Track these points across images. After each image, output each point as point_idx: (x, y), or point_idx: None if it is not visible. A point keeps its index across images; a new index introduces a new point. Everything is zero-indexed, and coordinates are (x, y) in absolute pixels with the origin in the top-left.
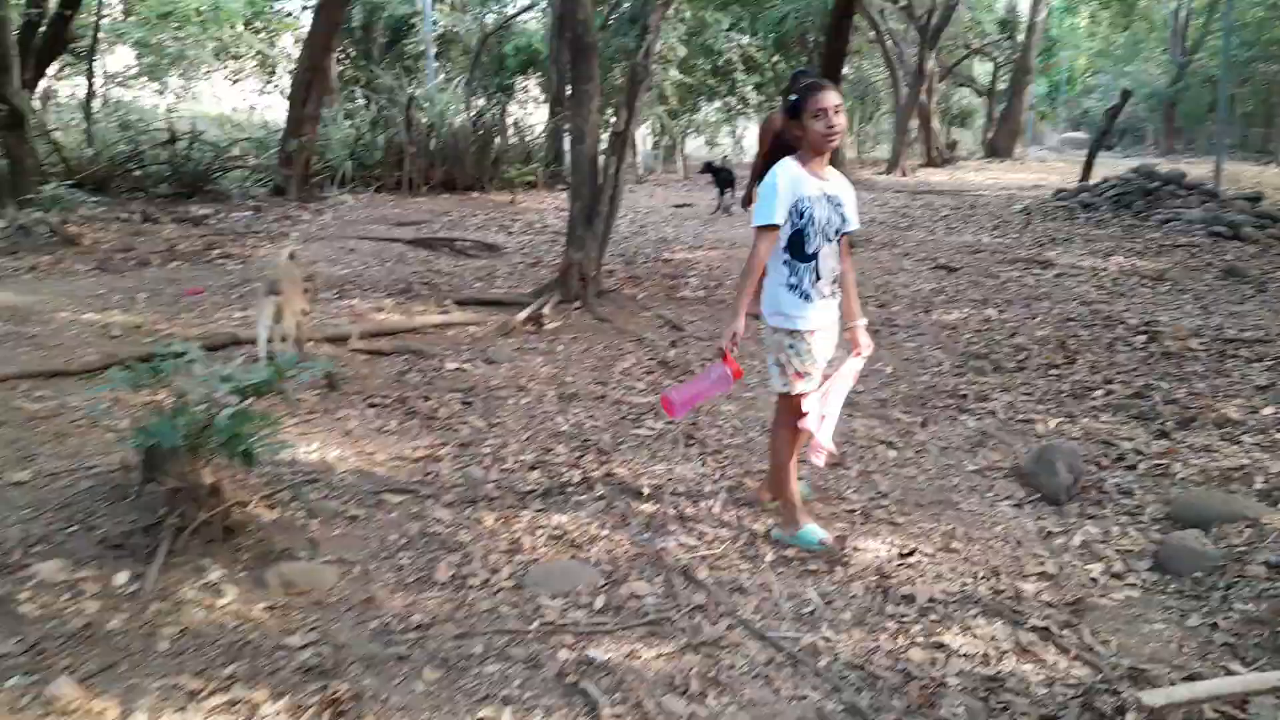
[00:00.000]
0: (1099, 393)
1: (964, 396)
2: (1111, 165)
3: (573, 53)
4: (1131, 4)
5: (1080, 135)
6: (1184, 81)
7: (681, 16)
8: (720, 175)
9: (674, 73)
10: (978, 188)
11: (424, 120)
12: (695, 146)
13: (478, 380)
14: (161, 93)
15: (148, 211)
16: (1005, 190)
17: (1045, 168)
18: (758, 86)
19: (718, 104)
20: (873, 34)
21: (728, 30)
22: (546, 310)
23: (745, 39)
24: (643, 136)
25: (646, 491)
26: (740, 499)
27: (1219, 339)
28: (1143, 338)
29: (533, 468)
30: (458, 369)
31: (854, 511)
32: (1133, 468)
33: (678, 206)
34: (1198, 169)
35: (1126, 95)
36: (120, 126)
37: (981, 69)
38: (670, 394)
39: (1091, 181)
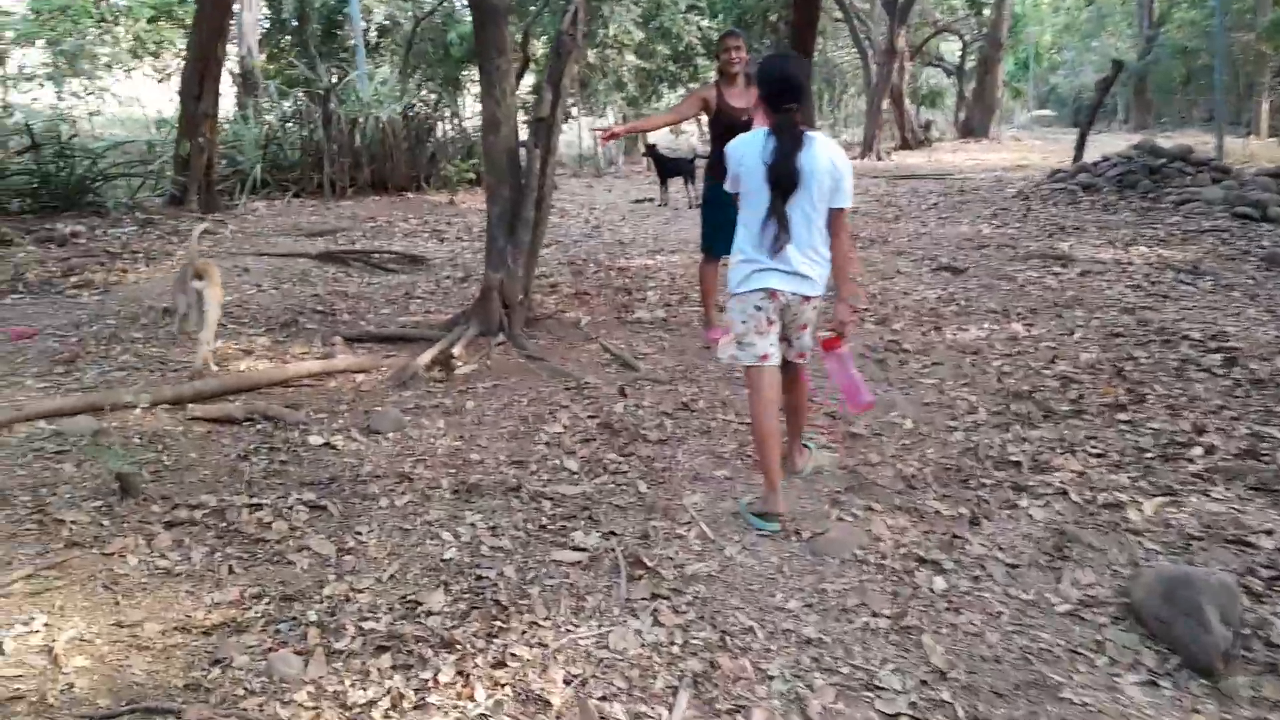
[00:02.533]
0: (1196, 451)
1: (1016, 464)
2: (1091, 142)
3: (476, 18)
4: None
5: (1048, 112)
6: (1153, 54)
7: None
8: (665, 163)
9: (631, 58)
10: (960, 170)
11: (347, 114)
12: (661, 135)
13: (346, 465)
14: (59, 94)
15: (2, 231)
16: (990, 172)
17: (1023, 147)
18: None
19: (680, 90)
20: (838, 13)
21: (685, 13)
22: (458, 350)
23: (705, 21)
24: (606, 125)
25: (557, 701)
26: (711, 700)
27: None
28: (1216, 358)
29: (383, 646)
30: (324, 445)
31: (897, 719)
32: None
33: (637, 202)
34: (1181, 142)
35: (1119, 66)
36: None
37: (948, 47)
38: (856, 396)
39: (1088, 160)
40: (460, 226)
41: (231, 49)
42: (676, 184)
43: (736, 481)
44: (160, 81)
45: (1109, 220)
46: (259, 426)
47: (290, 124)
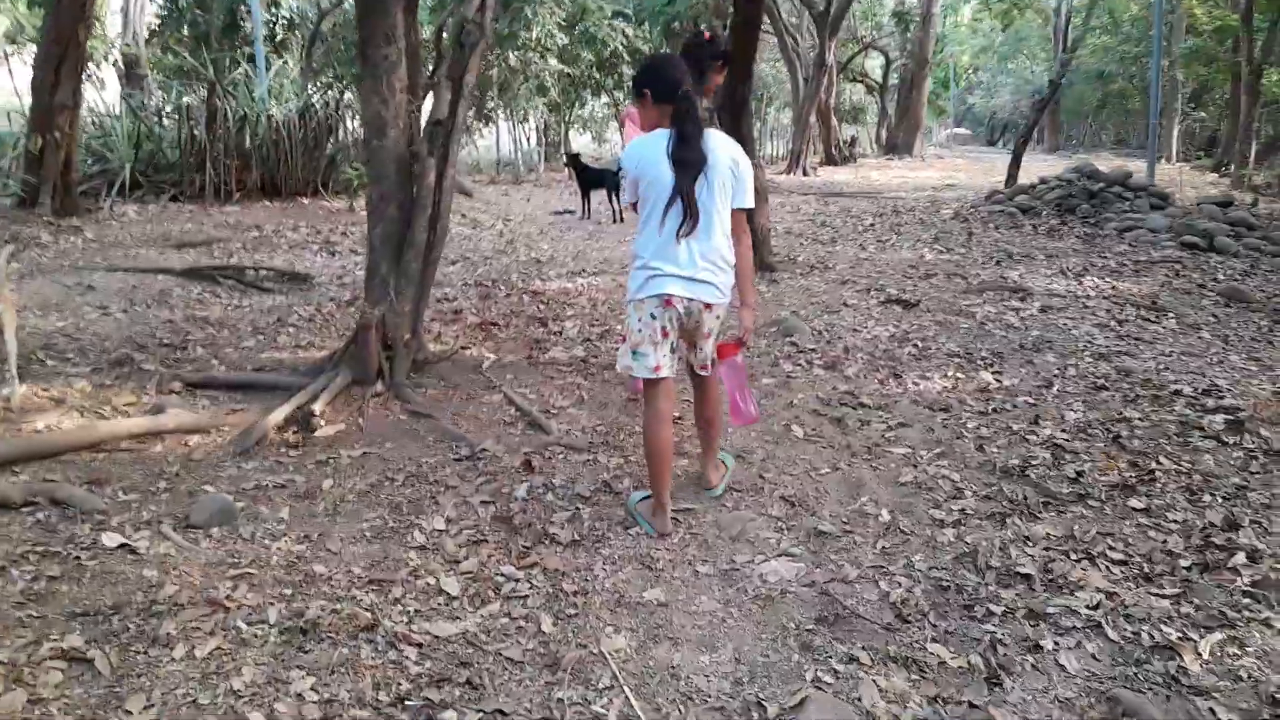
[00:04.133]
0: (1238, 558)
1: (1026, 579)
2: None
3: (360, 0)
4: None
5: (964, 131)
6: (1067, 79)
7: (559, 1)
8: (587, 174)
9: (554, 62)
10: (889, 188)
11: (237, 111)
12: (583, 144)
13: (142, 583)
14: None
15: None
16: (921, 191)
17: (947, 165)
18: None
19: (604, 99)
20: (767, 25)
21: (611, 19)
22: (320, 404)
23: (631, 29)
24: (527, 132)
25: None
26: None
27: None
28: (1218, 420)
29: None
30: (121, 548)
31: None
32: None
33: (558, 213)
34: (1091, 162)
35: (1055, 86)
36: None
37: (871, 65)
38: (741, 408)
39: (1025, 182)
40: (357, 237)
41: (117, 36)
42: (600, 196)
43: (673, 610)
44: None
45: (1056, 247)
46: (41, 516)
47: (170, 119)
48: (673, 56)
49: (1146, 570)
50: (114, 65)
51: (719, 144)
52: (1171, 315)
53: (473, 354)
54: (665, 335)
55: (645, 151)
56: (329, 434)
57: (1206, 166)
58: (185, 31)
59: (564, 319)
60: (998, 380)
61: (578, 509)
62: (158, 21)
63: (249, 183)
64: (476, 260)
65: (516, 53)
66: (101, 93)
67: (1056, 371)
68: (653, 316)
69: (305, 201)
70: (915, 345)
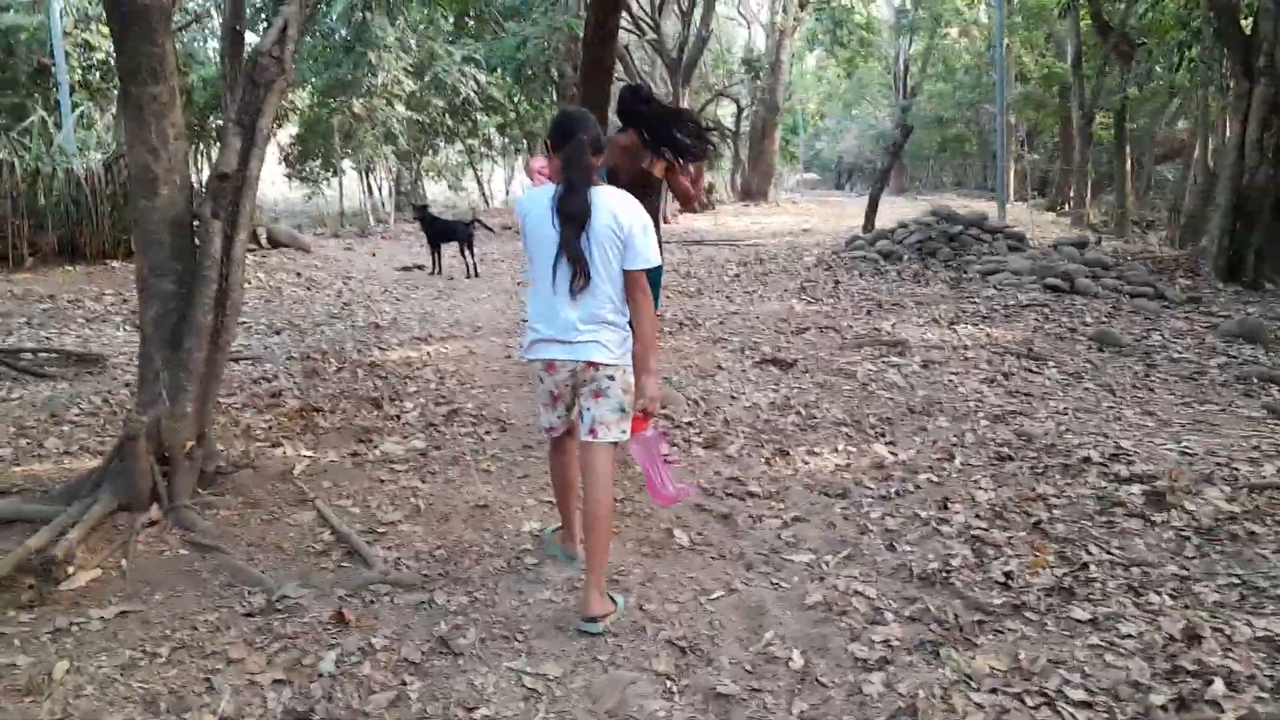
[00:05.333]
0: (1215, 686)
1: None
2: (861, 205)
3: (116, 24)
4: (866, 46)
5: (813, 176)
6: (908, 124)
7: (406, 47)
8: (435, 226)
9: (401, 109)
10: (748, 235)
11: (26, 164)
12: (439, 192)
13: None
14: None
15: None
16: (779, 237)
17: (801, 210)
18: (500, 128)
19: (458, 145)
20: (619, 72)
21: (461, 64)
22: (63, 547)
23: (483, 76)
24: (377, 181)
25: None
26: None
27: (1240, 485)
28: (1136, 492)
29: None
30: None
31: None
32: None
33: (404, 269)
34: (940, 203)
35: (907, 131)
36: None
37: (723, 112)
38: (660, 487)
39: (882, 226)
40: None
41: None
42: (451, 249)
43: None
44: None
45: (923, 294)
46: None
47: None
48: (578, 110)
49: (1116, 713)
50: None
51: (603, 201)
52: (1051, 364)
53: (284, 454)
54: (555, 399)
55: (533, 206)
56: (80, 584)
57: (1043, 206)
58: None
59: (404, 398)
60: (893, 453)
61: (404, 684)
62: None
63: (44, 246)
64: (306, 328)
65: (361, 99)
66: None
67: (954, 439)
68: (540, 380)
69: (115, 265)
70: (798, 413)
